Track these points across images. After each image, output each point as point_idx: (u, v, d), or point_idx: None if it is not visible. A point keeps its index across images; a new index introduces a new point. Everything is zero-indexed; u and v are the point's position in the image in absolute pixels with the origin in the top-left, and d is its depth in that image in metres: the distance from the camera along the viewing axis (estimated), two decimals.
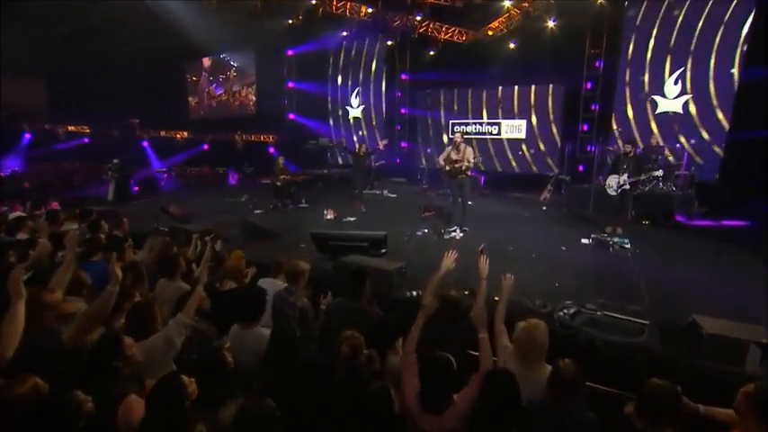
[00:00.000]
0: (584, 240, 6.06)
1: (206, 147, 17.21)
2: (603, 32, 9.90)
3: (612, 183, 6.25)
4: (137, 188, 12.69)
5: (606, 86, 10.04)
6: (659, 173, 6.59)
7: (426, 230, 6.47)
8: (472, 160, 6.29)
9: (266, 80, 16.45)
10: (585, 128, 10.32)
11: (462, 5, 10.66)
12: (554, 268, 4.72)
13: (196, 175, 14.54)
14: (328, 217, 7.48)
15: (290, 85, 16.30)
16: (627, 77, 9.69)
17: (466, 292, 3.68)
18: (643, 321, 3.26)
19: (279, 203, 8.66)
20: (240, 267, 3.31)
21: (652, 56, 9.26)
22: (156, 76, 17.66)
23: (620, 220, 6.27)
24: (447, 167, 6.56)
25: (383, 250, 4.50)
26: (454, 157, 6.49)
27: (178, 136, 17.68)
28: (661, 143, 8.36)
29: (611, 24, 9.76)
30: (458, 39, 11.91)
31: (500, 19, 10.68)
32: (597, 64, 10.17)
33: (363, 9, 11.43)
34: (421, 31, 11.88)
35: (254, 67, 16.74)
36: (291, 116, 16.48)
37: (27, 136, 18.80)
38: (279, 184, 8.58)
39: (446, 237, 6.16)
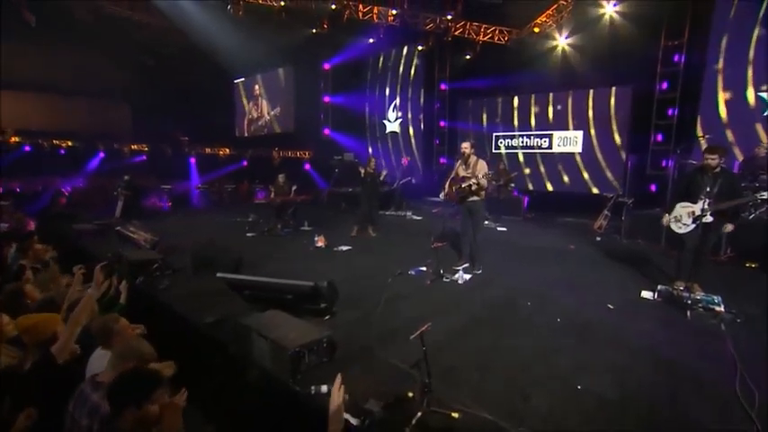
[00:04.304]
0: (645, 294, 4.20)
1: (245, 163, 17.39)
2: (687, 17, 7.78)
3: (684, 213, 4.13)
4: (168, 204, 12.86)
5: (689, 86, 7.82)
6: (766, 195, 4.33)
7: (424, 268, 5.02)
8: (480, 177, 4.77)
9: (303, 95, 16.22)
10: (660, 138, 8.11)
11: (501, 0, 9.19)
12: (584, 348, 3.03)
13: (229, 191, 14.47)
14: (318, 244, 6.36)
15: (326, 99, 15.88)
16: (719, 72, 7.41)
17: (410, 394, 2.25)
18: None
19: (279, 225, 7.78)
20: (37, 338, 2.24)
21: (759, 39, 6.94)
22: (206, 94, 18.53)
23: (698, 272, 4.22)
24: (453, 188, 5.12)
25: (323, 305, 3.21)
26: (462, 173, 5.04)
27: (221, 152, 18.12)
28: None
29: (697, 6, 7.61)
30: (499, 40, 10.38)
31: (547, 12, 9.00)
32: (677, 59, 8.02)
33: (391, 13, 10.46)
34: (456, 33, 10.57)
35: (292, 83, 16.61)
36: (327, 131, 16.00)
37: (101, 155, 20.74)
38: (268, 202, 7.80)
39: (445, 279, 4.67)
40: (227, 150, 18.27)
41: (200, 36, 13.45)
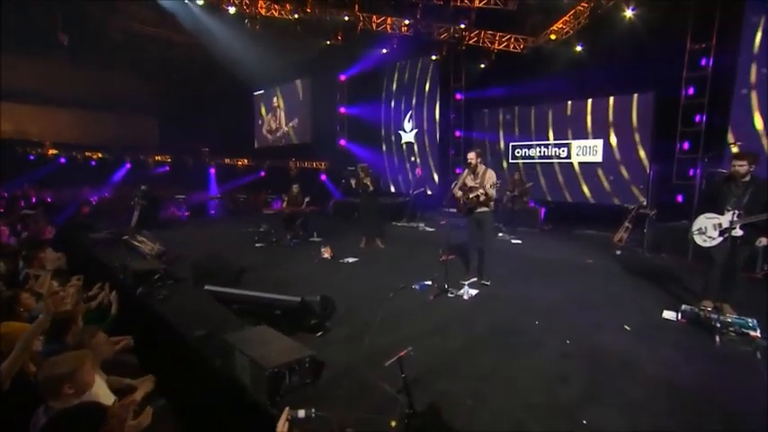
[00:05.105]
0: (668, 314, 3.86)
1: (263, 174, 17.68)
2: (714, 19, 7.38)
3: (709, 225, 3.78)
4: (187, 213, 13.10)
5: (718, 91, 7.38)
6: None
7: (429, 282, 4.83)
8: (488, 187, 4.56)
9: (320, 107, 16.42)
10: (686, 146, 7.67)
11: (515, 8, 9.01)
12: (594, 375, 2.75)
13: (241, 201, 14.67)
14: (324, 256, 6.25)
15: (342, 110, 15.99)
16: (753, 75, 6.95)
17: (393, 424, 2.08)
18: None
19: (288, 236, 7.74)
20: None
21: None
22: (227, 107, 19.09)
23: (729, 291, 3.84)
24: (461, 199, 4.93)
25: (313, 321, 3.07)
26: (470, 183, 4.85)
27: (239, 163, 18.51)
28: None
29: (726, 7, 7.21)
30: (514, 48, 10.17)
31: (564, 18, 8.75)
32: (703, 62, 7.61)
33: (404, 24, 10.46)
34: (471, 42, 10.44)
35: (309, 94, 16.85)
36: (342, 142, 16.07)
37: (127, 166, 21.61)
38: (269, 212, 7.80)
39: (450, 295, 4.45)
40: (246, 161, 18.66)
41: (222, 51, 13.88)
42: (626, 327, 3.55)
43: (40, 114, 19.08)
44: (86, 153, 18.97)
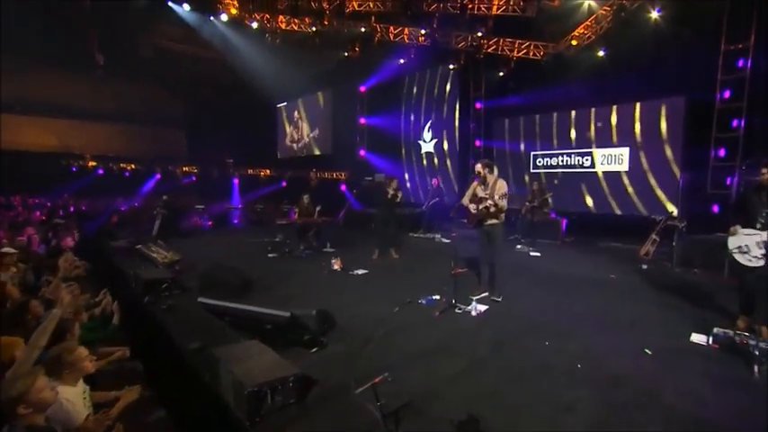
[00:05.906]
0: (696, 337, 3.50)
1: (284, 184, 17.96)
2: (752, 18, 6.92)
3: (751, 243, 3.41)
4: (209, 223, 13.40)
5: (757, 93, 6.88)
6: None
7: (437, 297, 4.65)
8: (497, 197, 4.36)
9: (341, 118, 16.59)
10: (722, 153, 7.15)
11: (534, 15, 8.79)
12: (606, 406, 2.49)
13: (257, 211, 14.88)
14: (334, 267, 6.17)
15: (362, 121, 16.07)
16: None
17: None
18: None
19: (301, 246, 7.73)
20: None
21: None
22: (251, 119, 19.65)
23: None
24: (471, 210, 4.75)
25: (306, 336, 2.96)
26: (480, 194, 4.66)
27: (262, 173, 18.90)
28: None
29: (763, 4, 6.75)
30: (534, 55, 9.91)
31: (585, 23, 8.45)
32: (740, 63, 7.12)
33: (421, 33, 10.44)
34: (489, 50, 10.26)
35: (330, 106, 17.08)
36: (362, 152, 16.12)
37: (157, 176, 22.56)
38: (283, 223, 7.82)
39: (458, 311, 4.25)
40: (268, 171, 19.08)
41: (246, 65, 14.34)
42: (647, 350, 3.23)
43: (81, 129, 20.31)
44: (121, 164, 20.02)
